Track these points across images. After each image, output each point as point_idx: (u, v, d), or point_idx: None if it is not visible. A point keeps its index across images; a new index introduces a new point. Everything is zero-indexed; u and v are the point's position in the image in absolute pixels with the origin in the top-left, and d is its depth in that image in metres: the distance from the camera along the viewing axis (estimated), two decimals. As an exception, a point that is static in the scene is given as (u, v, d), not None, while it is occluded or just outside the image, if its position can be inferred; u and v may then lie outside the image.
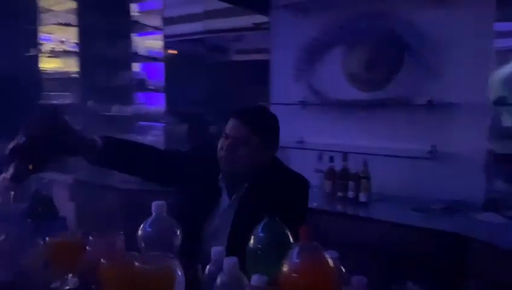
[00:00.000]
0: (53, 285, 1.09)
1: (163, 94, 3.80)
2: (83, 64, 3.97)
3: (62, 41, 4.03)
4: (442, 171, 2.67)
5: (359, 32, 3.00)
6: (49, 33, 4.27)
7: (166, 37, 3.68)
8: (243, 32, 4.01)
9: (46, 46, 4.20)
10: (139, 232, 1.04)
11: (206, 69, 3.96)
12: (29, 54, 4.19)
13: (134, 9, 3.95)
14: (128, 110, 3.93)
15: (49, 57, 4.27)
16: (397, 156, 2.72)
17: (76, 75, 4.06)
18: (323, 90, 3.18)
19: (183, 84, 3.92)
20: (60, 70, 4.29)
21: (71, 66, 4.19)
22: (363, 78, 3.00)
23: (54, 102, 4.19)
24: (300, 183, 1.55)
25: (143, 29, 3.83)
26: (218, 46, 4.06)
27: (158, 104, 3.98)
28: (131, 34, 4.05)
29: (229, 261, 0.92)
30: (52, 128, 1.17)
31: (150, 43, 3.91)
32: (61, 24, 4.05)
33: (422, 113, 2.75)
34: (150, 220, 1.04)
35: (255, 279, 0.87)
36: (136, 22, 3.80)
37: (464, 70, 2.62)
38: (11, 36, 4.08)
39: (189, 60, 4.06)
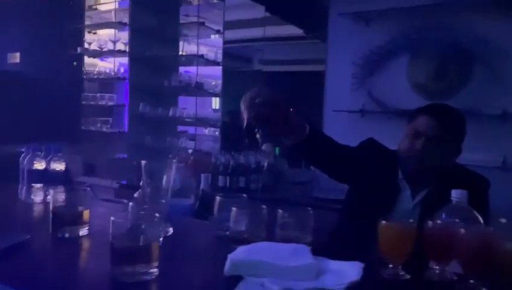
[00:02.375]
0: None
1: (220, 98, 3.78)
2: (131, 65, 3.90)
3: (113, 42, 3.97)
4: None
5: (425, 42, 3.02)
6: (95, 33, 4.21)
7: (224, 42, 3.67)
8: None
9: (93, 46, 4.14)
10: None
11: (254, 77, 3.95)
12: (74, 53, 4.12)
13: (189, 12, 3.92)
14: (181, 112, 3.87)
15: (94, 56, 4.20)
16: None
17: (123, 76, 4.00)
18: (384, 98, 3.18)
19: (239, 88, 3.89)
20: (105, 70, 4.22)
21: (118, 66, 4.14)
22: (430, 87, 3.01)
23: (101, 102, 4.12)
24: (484, 184, 1.52)
25: (198, 32, 3.79)
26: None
27: (207, 108, 3.97)
28: (184, 37, 4.02)
29: None
30: (275, 109, 1.18)
31: (205, 47, 3.88)
32: (110, 23, 4.00)
33: (493, 123, 2.76)
34: (446, 208, 1.02)
35: None
36: (193, 24, 3.77)
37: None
38: (57, 36, 4.02)
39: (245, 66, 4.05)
